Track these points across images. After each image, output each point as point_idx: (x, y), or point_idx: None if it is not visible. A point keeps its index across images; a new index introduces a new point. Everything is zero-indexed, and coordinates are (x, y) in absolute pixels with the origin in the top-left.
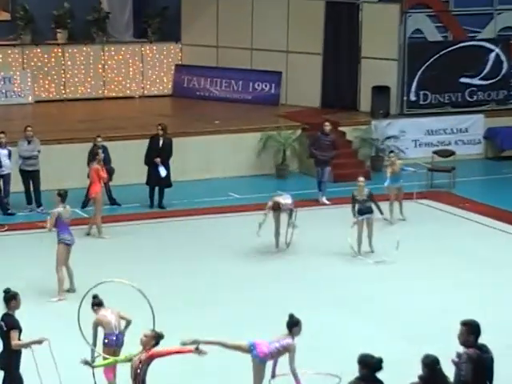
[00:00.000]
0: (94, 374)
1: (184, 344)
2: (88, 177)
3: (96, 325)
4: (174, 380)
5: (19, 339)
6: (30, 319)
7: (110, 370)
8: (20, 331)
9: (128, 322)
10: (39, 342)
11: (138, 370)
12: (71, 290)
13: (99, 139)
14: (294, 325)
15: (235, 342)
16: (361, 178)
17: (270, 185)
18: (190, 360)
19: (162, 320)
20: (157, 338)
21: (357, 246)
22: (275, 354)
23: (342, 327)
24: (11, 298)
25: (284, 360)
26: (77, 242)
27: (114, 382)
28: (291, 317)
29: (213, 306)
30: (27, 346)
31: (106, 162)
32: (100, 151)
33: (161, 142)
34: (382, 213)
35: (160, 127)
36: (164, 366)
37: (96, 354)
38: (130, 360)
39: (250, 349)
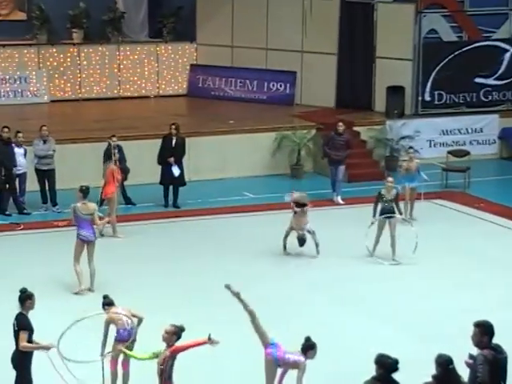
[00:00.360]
0: (103, 368)
1: (228, 288)
2: (103, 176)
3: (108, 323)
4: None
5: (31, 340)
6: (45, 316)
7: (127, 362)
8: (31, 332)
9: (140, 320)
10: (47, 347)
11: (164, 366)
12: (90, 289)
13: (114, 139)
14: (309, 348)
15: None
16: (390, 179)
17: (284, 185)
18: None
19: (171, 318)
20: (178, 332)
21: (372, 247)
22: (284, 364)
23: (357, 328)
24: (27, 297)
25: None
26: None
27: (116, 372)
28: (307, 340)
29: (222, 305)
30: (34, 349)
31: (121, 161)
32: (116, 151)
33: (174, 142)
34: (401, 213)
35: (173, 127)
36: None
37: (106, 351)
38: (157, 356)
39: (270, 344)
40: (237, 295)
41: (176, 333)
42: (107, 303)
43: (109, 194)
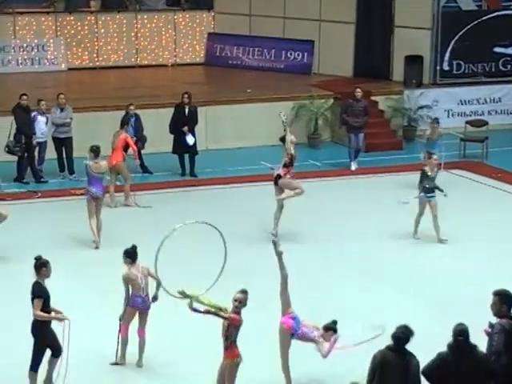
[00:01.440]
0: (118, 343)
1: (274, 244)
2: (112, 145)
3: (126, 281)
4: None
5: (47, 307)
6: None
7: (142, 329)
8: (46, 299)
9: (158, 283)
10: (60, 319)
11: (228, 333)
12: (96, 243)
13: (132, 107)
14: (331, 330)
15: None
16: (434, 156)
17: (301, 154)
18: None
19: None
20: (245, 299)
21: (414, 227)
22: (302, 339)
23: (394, 307)
24: (41, 265)
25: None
26: (106, 211)
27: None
28: (334, 323)
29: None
30: (48, 318)
31: (139, 130)
32: (132, 120)
33: (187, 111)
34: (442, 190)
35: (186, 95)
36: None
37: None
38: (220, 309)
39: (292, 317)
40: (279, 255)
41: (243, 300)
42: (130, 256)
43: (113, 161)
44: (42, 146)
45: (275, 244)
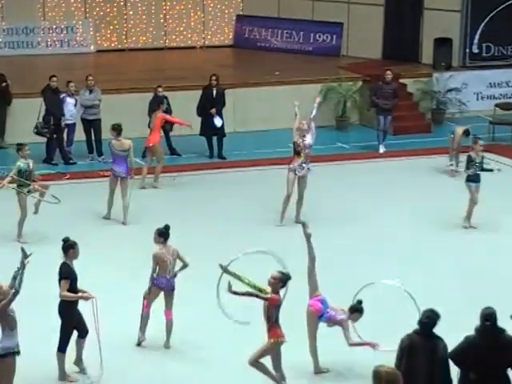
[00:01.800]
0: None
1: (303, 226)
2: (149, 126)
3: (155, 260)
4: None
5: (74, 288)
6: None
7: (169, 310)
8: (73, 281)
9: (184, 265)
10: (86, 298)
11: (270, 314)
12: (124, 223)
13: (160, 89)
14: (357, 311)
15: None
16: (480, 142)
17: (329, 136)
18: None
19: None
20: (284, 279)
21: (466, 217)
22: (329, 320)
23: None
24: (69, 247)
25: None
26: (135, 192)
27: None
28: (359, 303)
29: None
30: (73, 298)
31: (167, 112)
32: (165, 101)
33: (214, 93)
34: (491, 170)
35: (214, 77)
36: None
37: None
38: (260, 291)
39: (320, 300)
40: (308, 236)
41: (281, 280)
42: (163, 236)
43: (150, 142)
44: (71, 127)
45: (304, 226)
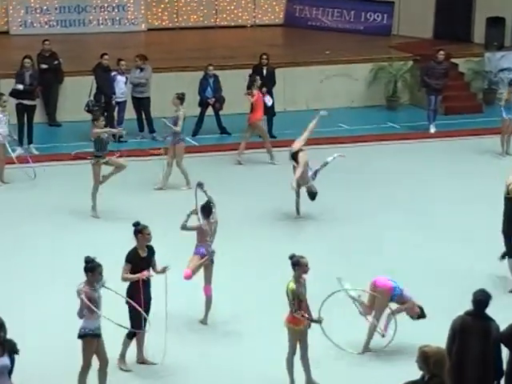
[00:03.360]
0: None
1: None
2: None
3: (197, 228)
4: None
5: (136, 272)
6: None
7: (209, 287)
8: (135, 265)
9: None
10: (145, 276)
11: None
12: (188, 186)
13: (211, 68)
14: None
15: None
16: None
17: (380, 116)
18: None
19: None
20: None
21: None
22: (399, 301)
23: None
24: (137, 232)
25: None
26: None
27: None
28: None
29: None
30: (133, 279)
31: (217, 90)
32: (257, 78)
33: (265, 72)
34: None
35: (264, 56)
36: None
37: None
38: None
39: (394, 286)
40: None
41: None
42: (208, 210)
43: (252, 119)
44: (121, 105)
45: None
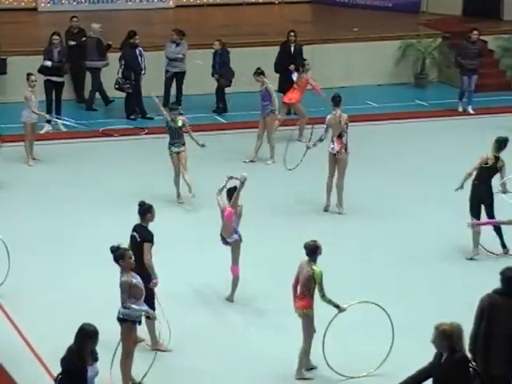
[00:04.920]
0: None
1: None
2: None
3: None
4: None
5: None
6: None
7: (236, 267)
8: (152, 245)
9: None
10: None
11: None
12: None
13: (216, 43)
14: None
15: None
16: None
17: (408, 94)
18: None
19: None
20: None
21: None
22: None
23: None
24: (146, 210)
25: None
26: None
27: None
28: None
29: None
30: (153, 271)
31: (223, 66)
32: (306, 62)
33: (292, 49)
34: None
35: (292, 34)
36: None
37: None
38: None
39: None
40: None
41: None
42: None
43: (290, 100)
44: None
45: None
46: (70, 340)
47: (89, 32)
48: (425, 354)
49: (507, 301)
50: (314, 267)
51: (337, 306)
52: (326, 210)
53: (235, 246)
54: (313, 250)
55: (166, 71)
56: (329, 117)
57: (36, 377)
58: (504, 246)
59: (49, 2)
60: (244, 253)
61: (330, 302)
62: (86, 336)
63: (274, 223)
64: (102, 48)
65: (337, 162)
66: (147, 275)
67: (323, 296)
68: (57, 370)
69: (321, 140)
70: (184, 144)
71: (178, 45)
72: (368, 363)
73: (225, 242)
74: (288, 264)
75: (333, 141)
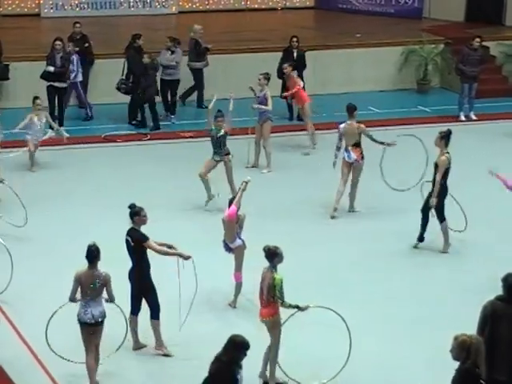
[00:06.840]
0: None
1: None
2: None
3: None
4: None
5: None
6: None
7: (239, 273)
8: (151, 240)
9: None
10: (185, 257)
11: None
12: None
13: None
14: None
15: None
16: None
17: (410, 99)
18: None
19: None
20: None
21: None
22: None
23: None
24: (134, 214)
25: None
26: None
27: None
28: None
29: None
30: (171, 255)
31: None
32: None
33: (295, 55)
34: None
35: (295, 39)
36: None
37: None
38: None
39: None
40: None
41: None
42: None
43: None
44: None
45: None
46: (70, 343)
47: (189, 33)
48: None
49: (510, 307)
50: (274, 275)
51: (297, 307)
52: (332, 217)
53: (239, 253)
54: (271, 255)
55: (161, 79)
56: (342, 125)
57: (36, 380)
58: (421, 239)
59: (52, 8)
60: (247, 258)
61: (290, 306)
62: (241, 347)
63: (276, 229)
64: (199, 49)
65: (353, 169)
66: (147, 275)
67: (282, 303)
68: (57, 371)
69: (338, 149)
70: (228, 154)
71: (172, 52)
72: (327, 370)
73: (228, 248)
74: (292, 269)
75: (347, 150)
